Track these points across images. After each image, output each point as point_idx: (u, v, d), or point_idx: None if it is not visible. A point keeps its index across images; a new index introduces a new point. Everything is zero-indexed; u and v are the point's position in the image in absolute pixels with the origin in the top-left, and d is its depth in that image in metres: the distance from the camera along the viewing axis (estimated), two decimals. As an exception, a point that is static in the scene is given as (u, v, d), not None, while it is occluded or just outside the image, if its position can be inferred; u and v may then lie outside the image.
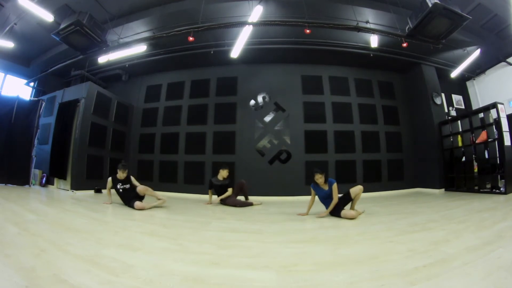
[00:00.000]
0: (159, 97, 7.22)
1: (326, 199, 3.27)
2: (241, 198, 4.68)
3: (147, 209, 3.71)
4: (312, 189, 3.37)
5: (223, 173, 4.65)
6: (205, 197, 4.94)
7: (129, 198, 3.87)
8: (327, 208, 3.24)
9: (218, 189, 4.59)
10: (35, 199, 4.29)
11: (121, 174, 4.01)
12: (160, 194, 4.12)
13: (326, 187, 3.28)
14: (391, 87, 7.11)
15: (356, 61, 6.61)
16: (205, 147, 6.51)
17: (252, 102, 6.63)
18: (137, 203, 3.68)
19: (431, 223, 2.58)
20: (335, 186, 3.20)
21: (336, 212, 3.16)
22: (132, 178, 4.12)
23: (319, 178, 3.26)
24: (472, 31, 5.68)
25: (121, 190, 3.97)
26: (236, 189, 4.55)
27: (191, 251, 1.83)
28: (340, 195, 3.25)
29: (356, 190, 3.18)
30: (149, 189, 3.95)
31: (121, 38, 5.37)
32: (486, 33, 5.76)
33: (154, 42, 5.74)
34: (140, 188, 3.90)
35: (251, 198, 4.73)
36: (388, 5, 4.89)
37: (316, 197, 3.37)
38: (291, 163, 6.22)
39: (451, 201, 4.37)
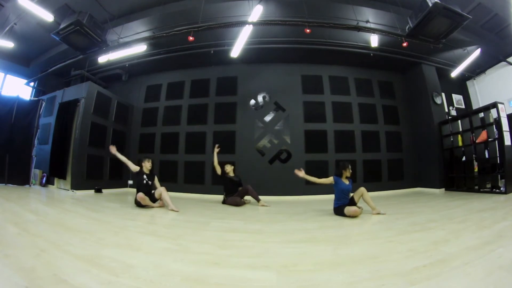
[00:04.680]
0: (159, 97, 7.22)
1: (346, 194, 3.31)
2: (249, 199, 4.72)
3: (148, 204, 3.71)
4: (333, 179, 3.34)
5: (229, 169, 4.70)
6: (206, 197, 4.94)
7: (141, 189, 3.85)
8: (344, 203, 3.25)
9: (229, 184, 4.61)
10: (35, 199, 4.29)
11: (147, 165, 4.01)
12: (172, 205, 3.69)
13: (347, 182, 3.36)
14: (391, 86, 7.11)
15: (356, 60, 6.60)
16: (205, 147, 6.51)
17: (252, 101, 6.63)
18: (140, 194, 3.68)
19: (431, 223, 2.58)
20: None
21: (339, 210, 3.19)
22: (156, 180, 4.09)
23: (349, 171, 3.36)
24: (472, 31, 5.67)
25: (144, 182, 3.90)
26: (241, 192, 4.56)
27: (191, 251, 1.83)
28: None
29: (358, 190, 3.26)
30: (164, 193, 3.77)
31: (121, 38, 5.36)
32: (486, 33, 5.75)
33: (154, 42, 5.73)
34: (157, 190, 3.85)
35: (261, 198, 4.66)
36: (388, 5, 4.89)
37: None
38: (291, 163, 6.20)
39: (451, 200, 4.37)
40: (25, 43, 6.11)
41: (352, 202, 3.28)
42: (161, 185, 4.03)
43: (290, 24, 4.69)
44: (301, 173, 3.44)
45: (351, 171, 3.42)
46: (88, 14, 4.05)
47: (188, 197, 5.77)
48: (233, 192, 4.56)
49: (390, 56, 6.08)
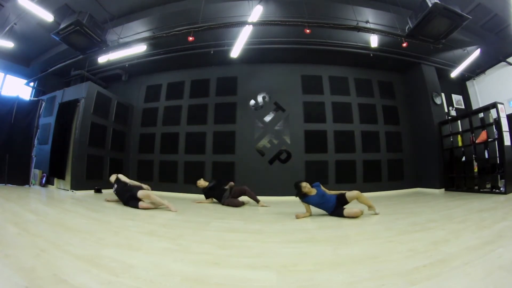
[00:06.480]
0: (159, 97, 7.22)
1: (322, 202, 3.21)
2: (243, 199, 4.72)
3: (153, 209, 3.67)
4: (305, 203, 3.26)
5: (201, 183, 4.83)
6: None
7: (125, 197, 3.82)
8: (328, 211, 3.20)
9: (211, 192, 4.70)
10: (35, 199, 4.29)
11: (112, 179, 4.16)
12: (164, 201, 3.71)
13: (314, 191, 3.26)
14: (391, 87, 7.11)
15: (356, 61, 6.61)
16: (205, 147, 6.51)
17: (252, 102, 6.63)
18: (141, 203, 3.63)
19: (431, 223, 2.58)
20: (321, 186, 3.28)
21: (337, 212, 3.14)
22: (121, 177, 4.12)
23: (306, 186, 3.23)
24: (472, 31, 5.68)
25: (115, 192, 4.04)
26: (237, 192, 4.55)
27: (191, 251, 1.83)
28: (335, 192, 3.29)
29: (352, 195, 3.11)
30: (153, 196, 3.67)
31: (121, 38, 5.36)
32: (486, 33, 5.75)
33: (154, 42, 5.73)
34: (141, 193, 3.69)
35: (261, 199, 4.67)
36: (388, 5, 4.89)
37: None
38: (291, 163, 6.22)
39: (451, 200, 4.37)
40: (25, 43, 6.10)
41: (343, 201, 3.14)
42: (156, 185, 4.03)
43: (290, 24, 4.70)
44: (300, 216, 3.20)
45: (307, 184, 3.26)
46: (88, 14, 4.06)
47: (188, 197, 5.77)
48: (221, 194, 4.55)
49: (390, 56, 6.08)
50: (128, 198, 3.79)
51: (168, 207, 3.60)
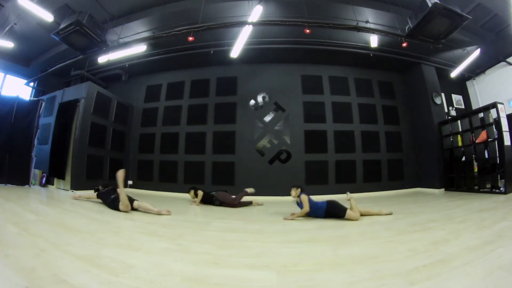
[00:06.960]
0: (159, 97, 7.22)
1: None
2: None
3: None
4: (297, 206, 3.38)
5: (192, 195, 4.74)
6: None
7: (108, 200, 3.66)
8: (320, 216, 3.15)
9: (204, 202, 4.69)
10: (35, 199, 4.29)
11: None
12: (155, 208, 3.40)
13: (299, 200, 3.30)
14: (391, 87, 7.11)
15: (356, 61, 6.61)
16: (205, 147, 6.51)
17: (252, 102, 6.63)
18: (122, 207, 3.40)
19: (431, 223, 2.59)
20: (302, 197, 3.20)
21: (334, 215, 3.09)
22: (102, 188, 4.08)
23: (292, 191, 3.34)
24: (472, 31, 5.68)
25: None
26: (226, 199, 4.54)
27: (191, 251, 1.83)
28: (323, 200, 3.20)
29: (353, 217, 2.98)
30: (142, 204, 3.45)
31: (121, 38, 5.36)
32: (486, 33, 5.75)
33: (154, 42, 5.73)
34: (123, 206, 3.36)
35: (252, 198, 4.72)
36: (388, 5, 4.88)
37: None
38: (291, 163, 6.22)
39: (451, 200, 4.37)
40: (25, 43, 6.10)
41: (336, 212, 3.05)
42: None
43: (290, 24, 4.69)
44: (293, 216, 3.22)
45: (295, 192, 3.33)
46: (88, 14, 4.06)
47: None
48: (212, 200, 4.53)
49: (390, 56, 6.08)
50: (111, 199, 3.65)
51: (159, 212, 3.30)
